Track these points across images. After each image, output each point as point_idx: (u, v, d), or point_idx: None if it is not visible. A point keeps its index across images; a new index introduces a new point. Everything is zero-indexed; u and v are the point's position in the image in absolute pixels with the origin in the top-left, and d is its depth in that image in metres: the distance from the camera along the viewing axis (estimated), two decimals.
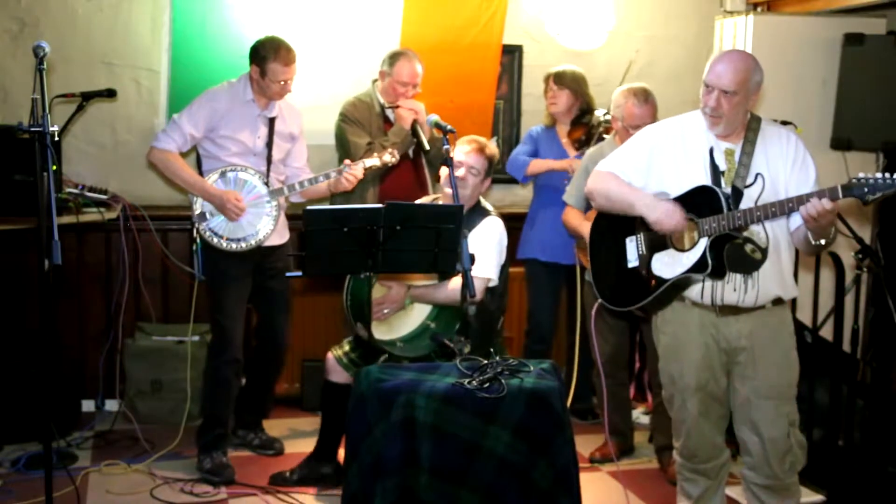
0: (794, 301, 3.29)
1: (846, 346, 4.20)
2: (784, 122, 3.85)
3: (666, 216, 3.07)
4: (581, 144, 4.63)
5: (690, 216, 3.09)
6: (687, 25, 5.60)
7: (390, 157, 4.16)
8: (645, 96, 4.10)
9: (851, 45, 4.82)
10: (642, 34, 5.59)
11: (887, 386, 4.33)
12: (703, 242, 3.03)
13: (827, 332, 4.49)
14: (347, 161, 4.13)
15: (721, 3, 5.41)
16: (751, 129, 3.09)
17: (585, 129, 4.64)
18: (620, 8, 5.45)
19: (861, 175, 2.81)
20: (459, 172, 3.76)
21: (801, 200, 2.86)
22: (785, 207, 2.90)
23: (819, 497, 3.95)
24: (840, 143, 4.87)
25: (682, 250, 3.10)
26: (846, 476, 3.96)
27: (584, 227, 3.95)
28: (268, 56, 3.99)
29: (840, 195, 2.81)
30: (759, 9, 5.26)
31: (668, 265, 3.13)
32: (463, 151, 3.84)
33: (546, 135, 4.73)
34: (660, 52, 5.59)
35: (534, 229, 4.67)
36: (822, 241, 2.95)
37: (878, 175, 2.79)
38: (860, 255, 3.99)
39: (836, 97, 4.89)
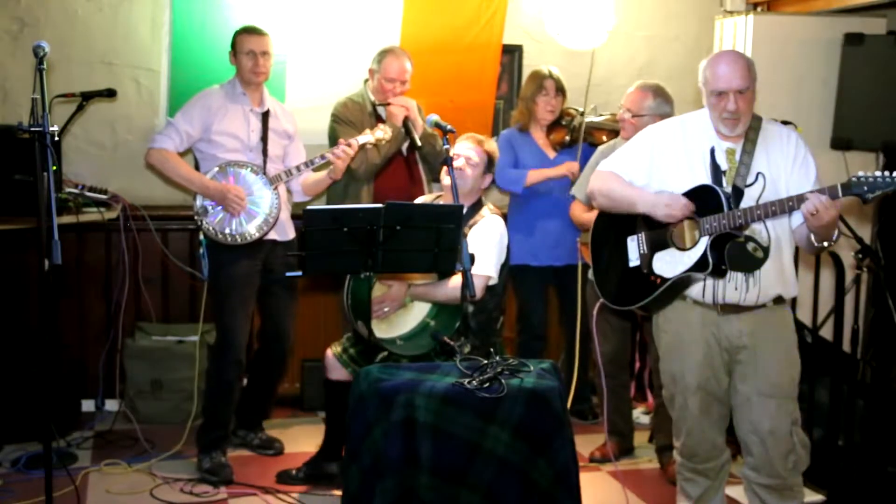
0: (794, 301, 3.30)
1: (846, 346, 4.20)
2: (784, 122, 3.84)
3: (669, 207, 3.07)
4: (564, 146, 4.64)
5: (691, 215, 3.09)
6: (687, 25, 5.61)
7: (382, 133, 4.17)
8: (645, 85, 4.13)
9: (851, 45, 4.82)
10: (642, 34, 5.60)
11: (887, 386, 4.32)
12: (704, 241, 3.04)
13: (827, 332, 4.49)
14: (342, 140, 4.14)
15: (721, 3, 5.41)
16: (752, 129, 3.10)
17: (566, 130, 4.63)
18: (620, 8, 5.44)
19: (861, 173, 2.82)
20: (458, 163, 3.77)
21: (801, 199, 2.87)
22: (785, 206, 2.91)
23: (819, 497, 3.95)
24: (840, 142, 4.87)
25: (684, 249, 3.11)
26: (846, 476, 3.96)
27: (593, 215, 3.98)
28: (236, 34, 4.14)
29: (840, 194, 2.82)
30: (759, 9, 5.26)
31: (669, 264, 3.13)
32: (461, 145, 3.86)
33: (521, 139, 4.68)
34: (660, 52, 5.59)
35: (525, 238, 4.62)
36: (826, 244, 2.95)
37: (878, 173, 2.80)
38: (860, 255, 3.99)
39: (836, 97, 4.89)
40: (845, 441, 4.06)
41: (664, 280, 3.13)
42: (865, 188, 2.80)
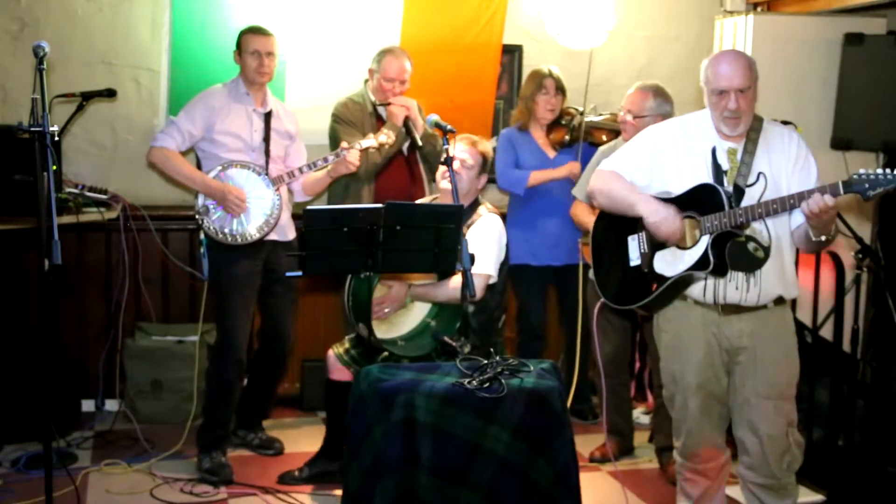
0: (794, 301, 3.30)
1: (846, 346, 4.19)
2: (784, 122, 3.85)
3: (665, 222, 3.07)
4: (564, 146, 4.64)
5: (692, 214, 3.09)
6: (687, 25, 5.61)
7: (386, 137, 4.18)
8: (645, 86, 4.15)
9: (851, 45, 4.82)
10: (642, 34, 5.60)
11: (887, 386, 4.33)
12: (705, 240, 3.04)
13: (827, 332, 4.49)
14: (344, 144, 4.14)
15: (721, 3, 5.41)
16: (753, 129, 3.10)
17: (566, 130, 4.63)
18: (620, 8, 5.44)
19: (862, 171, 2.82)
20: (455, 166, 3.77)
21: (801, 197, 2.87)
22: (786, 204, 2.91)
23: (819, 497, 3.95)
24: (840, 143, 4.87)
25: (684, 248, 3.11)
26: (846, 476, 3.96)
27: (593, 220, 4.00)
28: (241, 33, 4.15)
29: (841, 191, 2.82)
30: (759, 9, 5.26)
31: (669, 263, 3.13)
32: (462, 150, 3.86)
33: (522, 138, 4.68)
34: (660, 52, 5.59)
35: (524, 237, 4.63)
36: (823, 238, 2.95)
37: (879, 171, 2.80)
38: (860, 255, 3.99)
39: (836, 97, 4.89)
40: (845, 441, 4.06)
41: (665, 279, 3.13)
42: (867, 185, 2.80)
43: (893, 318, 4.19)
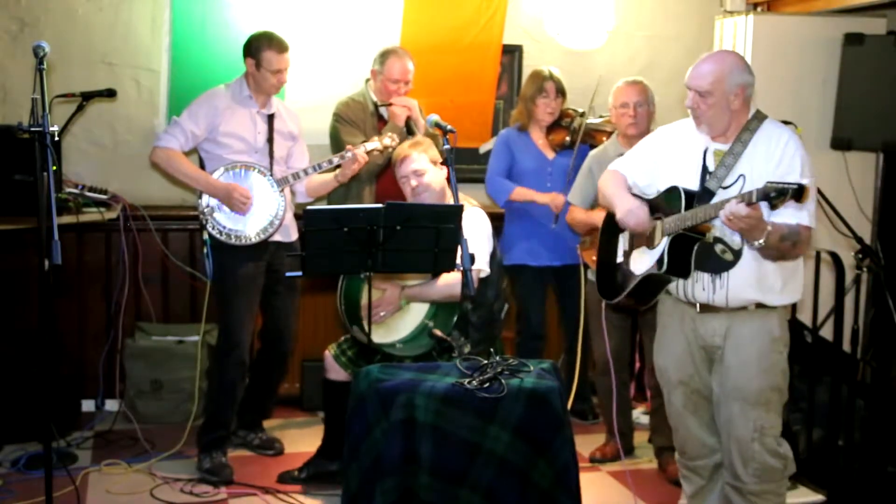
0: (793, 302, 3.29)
1: (846, 346, 4.20)
2: (784, 122, 3.85)
3: (625, 215, 3.16)
4: (564, 147, 4.63)
5: (660, 215, 3.14)
6: (687, 25, 5.60)
7: (390, 140, 4.18)
8: (634, 80, 4.25)
9: (851, 45, 4.82)
10: (642, 34, 5.60)
11: (887, 386, 4.32)
12: (665, 241, 3.07)
13: (827, 332, 4.49)
14: (349, 146, 4.14)
15: (721, 3, 5.40)
16: (747, 130, 3.06)
17: (566, 132, 4.63)
18: (620, 8, 5.45)
19: (772, 181, 2.73)
20: (413, 184, 3.77)
21: (723, 205, 2.84)
22: (717, 210, 2.88)
23: (819, 497, 3.95)
24: (840, 143, 4.87)
25: (652, 248, 3.15)
26: (846, 476, 3.96)
27: (594, 216, 4.02)
28: (262, 46, 4.05)
29: (754, 199, 2.75)
30: (759, 9, 5.26)
31: (640, 262, 3.21)
32: (402, 165, 3.81)
33: (520, 139, 4.65)
34: (660, 52, 5.59)
35: (523, 238, 4.62)
36: (756, 244, 2.89)
37: (786, 181, 2.70)
38: (860, 255, 3.99)
39: (836, 97, 4.89)
40: (845, 441, 4.06)
41: (635, 277, 3.20)
42: (773, 194, 2.68)
43: (893, 318, 4.19)
